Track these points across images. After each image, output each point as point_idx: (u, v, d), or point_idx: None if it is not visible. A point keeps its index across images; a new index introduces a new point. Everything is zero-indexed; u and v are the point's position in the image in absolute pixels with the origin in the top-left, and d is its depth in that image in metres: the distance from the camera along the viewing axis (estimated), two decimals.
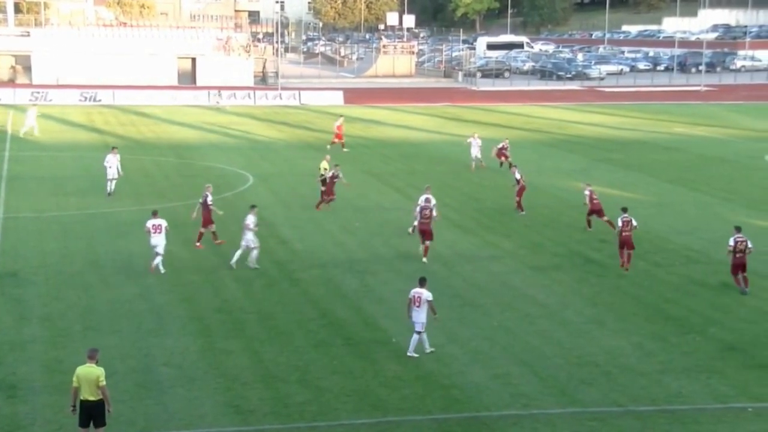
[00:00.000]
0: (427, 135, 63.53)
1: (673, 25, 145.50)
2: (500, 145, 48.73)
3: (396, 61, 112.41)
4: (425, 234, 31.85)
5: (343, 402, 20.35)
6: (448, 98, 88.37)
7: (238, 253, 30.37)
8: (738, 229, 28.67)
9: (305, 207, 37.71)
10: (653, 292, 28.36)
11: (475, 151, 48.70)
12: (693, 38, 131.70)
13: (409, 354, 22.88)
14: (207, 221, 32.61)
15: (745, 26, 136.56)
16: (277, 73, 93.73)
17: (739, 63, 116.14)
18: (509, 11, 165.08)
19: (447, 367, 22.34)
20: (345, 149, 54.50)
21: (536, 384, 21.41)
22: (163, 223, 29.92)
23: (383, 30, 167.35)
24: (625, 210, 31.23)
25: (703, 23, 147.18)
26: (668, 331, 24.94)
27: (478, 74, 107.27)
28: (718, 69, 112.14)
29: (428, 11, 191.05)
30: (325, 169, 40.29)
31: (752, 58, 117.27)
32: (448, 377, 21.77)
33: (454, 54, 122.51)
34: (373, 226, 36.55)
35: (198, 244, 32.77)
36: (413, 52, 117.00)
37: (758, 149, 56.42)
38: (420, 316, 22.78)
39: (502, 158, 48.04)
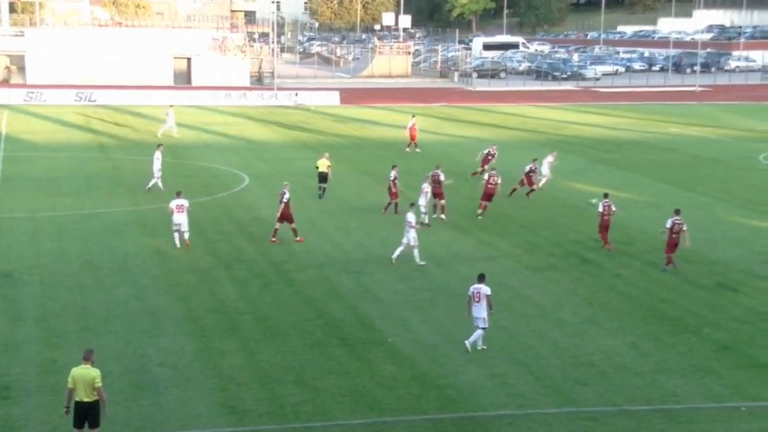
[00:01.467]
0: (423, 135, 63.45)
1: (668, 25, 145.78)
2: (486, 151, 47.01)
3: (392, 62, 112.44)
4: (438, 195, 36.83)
5: (339, 402, 20.35)
6: (444, 98, 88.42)
7: (400, 249, 30.96)
8: (677, 212, 30.58)
9: (301, 207, 37.68)
10: (648, 292, 28.40)
11: (546, 170, 44.69)
12: (688, 39, 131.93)
13: (473, 345, 23.04)
14: (284, 217, 33.64)
15: (740, 27, 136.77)
16: (273, 73, 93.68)
17: (733, 63, 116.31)
18: (505, 11, 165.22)
19: (443, 368, 22.34)
20: (417, 149, 55.00)
21: (532, 384, 21.43)
22: (186, 203, 32.51)
23: (379, 30, 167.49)
24: (606, 196, 33.05)
25: (697, 24, 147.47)
26: (663, 331, 24.98)
27: (474, 74, 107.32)
28: (713, 69, 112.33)
29: (424, 12, 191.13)
30: (329, 167, 40.98)
31: (746, 59, 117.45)
32: (443, 377, 21.77)
33: (450, 54, 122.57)
34: (370, 227, 36.56)
35: (273, 239, 33.69)
36: (409, 53, 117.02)
37: (752, 149, 56.50)
38: (480, 311, 23.05)
39: (485, 166, 45.91)
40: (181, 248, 32.31)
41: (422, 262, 30.97)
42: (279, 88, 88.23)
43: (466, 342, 23.26)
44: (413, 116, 58.21)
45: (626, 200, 41.15)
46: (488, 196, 37.12)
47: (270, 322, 25.33)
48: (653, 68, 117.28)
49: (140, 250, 31.50)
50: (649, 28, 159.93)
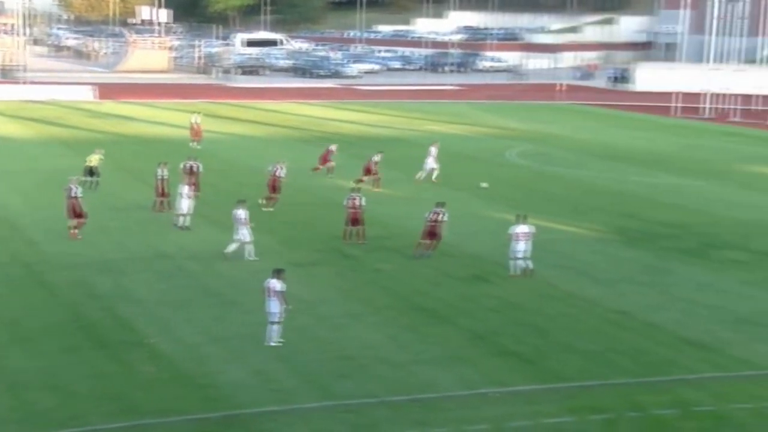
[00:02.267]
0: (185, 132, 62.45)
1: (423, 26, 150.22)
2: (327, 149, 47.66)
3: (150, 56, 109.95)
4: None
5: (95, 406, 19.68)
6: (205, 95, 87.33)
7: (234, 246, 30.63)
8: (438, 204, 32.42)
9: (53, 206, 36.17)
10: (407, 285, 29.14)
11: (432, 162, 46.29)
12: (442, 39, 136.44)
13: (271, 344, 23.04)
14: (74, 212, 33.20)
15: (490, 29, 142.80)
16: (22, 66, 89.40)
17: (484, 64, 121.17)
18: (266, 8, 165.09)
19: (204, 367, 22.07)
20: (198, 146, 53.64)
21: (294, 379, 21.53)
22: None
23: (137, 24, 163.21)
24: (356, 191, 34.27)
25: (451, 25, 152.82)
26: (421, 322, 25.69)
27: (236, 71, 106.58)
28: (466, 69, 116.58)
29: (183, 6, 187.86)
30: (100, 159, 41.24)
31: (496, 60, 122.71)
32: (205, 376, 21.50)
33: (211, 50, 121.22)
34: (130, 225, 35.63)
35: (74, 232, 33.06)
36: (168, 48, 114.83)
37: (502, 146, 59.08)
38: (273, 306, 23.00)
39: (324, 165, 46.82)
40: None
41: (255, 258, 30.78)
42: (30, 82, 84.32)
43: (269, 341, 23.25)
44: (197, 113, 57.81)
45: (386, 196, 42.05)
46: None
47: (19, 327, 24.16)
48: (411, 67, 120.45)
49: None
50: (405, 28, 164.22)
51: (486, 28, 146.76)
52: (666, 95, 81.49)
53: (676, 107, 77.40)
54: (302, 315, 25.89)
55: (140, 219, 36.64)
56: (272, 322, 23.37)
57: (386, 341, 24.13)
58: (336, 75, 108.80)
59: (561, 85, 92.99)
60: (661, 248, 34.04)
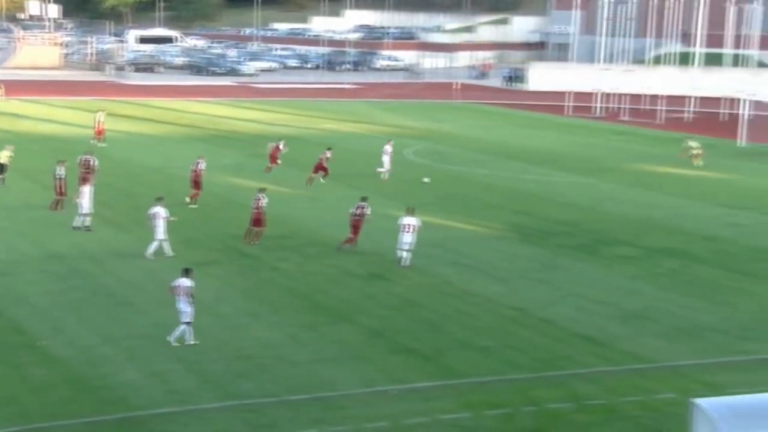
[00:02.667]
0: (77, 130, 61.27)
1: (320, 24, 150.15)
2: (274, 144, 47.90)
3: (40, 53, 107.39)
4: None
5: None
6: (98, 92, 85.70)
7: (167, 244, 30.85)
8: (363, 199, 33.25)
9: None
10: (306, 283, 29.15)
11: (387, 161, 47.30)
12: (339, 37, 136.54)
13: (179, 340, 22.91)
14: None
15: (386, 27, 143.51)
16: None
17: (381, 62, 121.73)
18: (160, 4, 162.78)
19: (99, 369, 21.73)
20: (103, 144, 53.29)
21: (192, 380, 21.35)
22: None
23: (25, 20, 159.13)
24: (262, 190, 33.87)
25: (348, 23, 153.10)
26: (320, 320, 25.74)
27: (130, 68, 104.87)
28: (363, 68, 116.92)
29: (74, 2, 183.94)
30: (10, 156, 41.61)
31: (393, 58, 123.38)
32: (100, 378, 21.17)
33: (103, 47, 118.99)
34: (20, 226, 34.83)
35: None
36: (59, 44, 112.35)
37: (401, 145, 59.43)
38: (184, 305, 22.80)
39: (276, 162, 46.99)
40: None
41: (172, 253, 31.01)
42: None
43: (169, 338, 23.12)
44: (102, 111, 57.35)
45: (285, 194, 41.94)
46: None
47: None
48: (308, 65, 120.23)
49: None
50: (302, 26, 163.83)
51: (382, 27, 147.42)
52: (559, 94, 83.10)
53: (568, 106, 79.00)
54: (201, 315, 25.58)
55: (32, 219, 35.86)
56: (184, 322, 23.13)
57: (285, 340, 24.11)
58: (232, 73, 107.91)
59: (457, 84, 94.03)
60: (555, 245, 34.74)
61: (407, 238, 30.83)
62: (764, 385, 21.26)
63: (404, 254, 30.94)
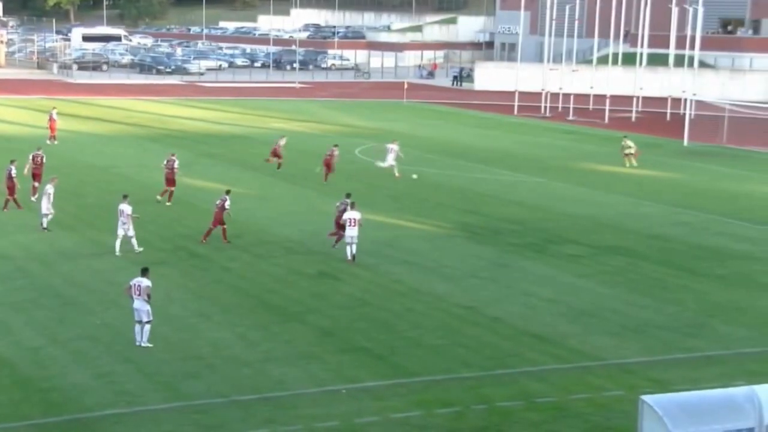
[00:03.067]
0: (22, 129, 60.50)
1: (267, 23, 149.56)
2: (278, 142, 48.38)
3: None
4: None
5: None
6: (44, 90, 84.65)
7: (118, 242, 31.17)
8: (347, 195, 33.36)
9: None
10: (256, 283, 29.05)
11: (391, 159, 47.70)
12: (287, 36, 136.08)
13: (143, 345, 22.74)
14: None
15: (334, 27, 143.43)
16: None
17: (329, 62, 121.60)
18: (105, 2, 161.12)
19: (46, 370, 21.48)
20: (55, 142, 53.67)
21: (140, 381, 21.18)
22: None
23: None
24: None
25: (295, 22, 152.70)
26: (270, 320, 25.67)
27: (75, 66, 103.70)
28: (311, 67, 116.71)
29: (17, 0, 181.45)
30: None
31: (341, 57, 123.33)
32: (47, 380, 20.93)
33: (47, 45, 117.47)
34: None
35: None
36: (2, 42, 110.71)
37: (349, 144, 59.39)
38: (143, 304, 22.75)
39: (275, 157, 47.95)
40: None
41: (140, 249, 31.41)
42: None
43: (140, 343, 22.97)
44: (54, 108, 57.26)
45: (235, 194, 41.65)
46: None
47: None
48: (255, 64, 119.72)
49: None
50: (249, 24, 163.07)
51: (330, 26, 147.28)
52: (507, 94, 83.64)
53: (515, 106, 79.53)
54: None
55: None
56: (142, 322, 22.98)
57: (235, 340, 24.01)
58: (180, 71, 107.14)
59: (407, 83, 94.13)
60: (504, 244, 34.96)
61: (351, 232, 31.42)
62: (709, 381, 21.63)
63: (351, 248, 31.42)
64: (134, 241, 31.60)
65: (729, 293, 29.61)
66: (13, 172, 37.16)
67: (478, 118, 77.73)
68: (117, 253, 31.15)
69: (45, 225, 34.17)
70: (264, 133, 62.88)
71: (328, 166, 45.67)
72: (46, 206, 34.20)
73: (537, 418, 20.08)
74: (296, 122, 69.99)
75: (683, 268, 32.33)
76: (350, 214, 31.74)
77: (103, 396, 20.31)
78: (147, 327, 23.04)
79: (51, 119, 55.60)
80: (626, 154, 52.89)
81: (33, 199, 37.84)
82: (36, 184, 38.38)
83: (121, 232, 31.37)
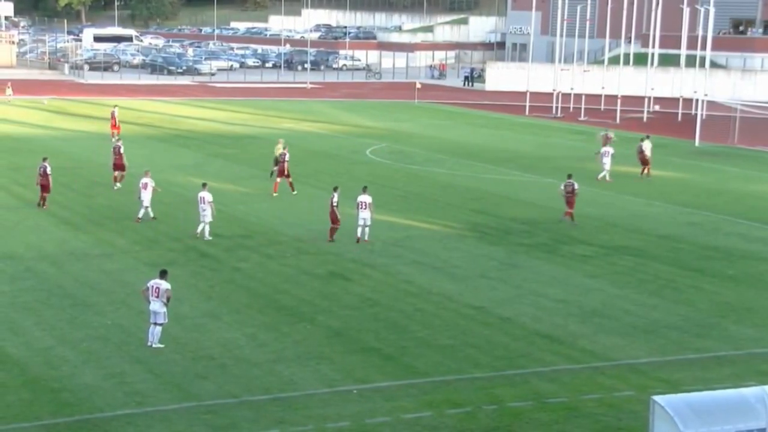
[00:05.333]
0: (32, 129, 60.70)
1: (278, 23, 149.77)
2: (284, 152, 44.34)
3: None
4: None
5: None
6: (55, 91, 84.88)
7: (201, 226, 33.39)
8: (569, 176, 38.03)
9: None
10: (266, 283, 29.06)
11: (607, 161, 47.83)
12: (298, 37, 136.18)
13: (155, 346, 22.83)
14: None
15: (345, 27, 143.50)
16: None
17: (340, 62, 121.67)
18: (116, 3, 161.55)
19: (57, 370, 21.51)
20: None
21: (151, 381, 21.20)
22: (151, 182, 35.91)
23: None
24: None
25: (306, 23, 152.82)
26: (280, 321, 25.67)
27: (86, 67, 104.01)
28: (322, 67, 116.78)
29: (29, 0, 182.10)
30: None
31: (352, 58, 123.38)
32: (57, 380, 20.96)
33: (59, 45, 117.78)
34: None
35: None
36: (13, 42, 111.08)
37: (360, 144, 59.46)
38: (159, 306, 22.77)
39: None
40: None
41: (209, 237, 33.35)
42: None
43: (152, 344, 23.02)
44: (116, 106, 58.70)
45: (244, 194, 41.82)
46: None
47: None
48: (266, 65, 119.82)
49: None
50: (261, 25, 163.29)
51: (341, 27, 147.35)
52: (517, 94, 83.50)
53: (527, 106, 79.42)
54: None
55: None
56: (157, 323, 23.02)
57: (245, 340, 24.02)
58: (190, 72, 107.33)
59: (418, 83, 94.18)
60: (514, 244, 34.91)
61: (363, 214, 33.41)
62: (720, 382, 21.56)
63: (364, 229, 33.37)
64: (207, 228, 33.42)
65: (740, 293, 29.50)
66: (48, 169, 37.42)
67: (489, 118, 77.64)
68: (206, 237, 33.37)
69: (141, 216, 36.00)
70: (275, 134, 62.91)
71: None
72: (147, 198, 36.02)
73: (548, 419, 20.04)
74: (307, 122, 70.03)
75: (694, 269, 32.23)
76: (362, 198, 33.53)
77: (113, 396, 20.34)
78: (159, 328, 23.07)
79: (112, 117, 57.09)
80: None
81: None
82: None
83: (204, 220, 33.49)
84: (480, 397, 20.98)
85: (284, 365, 22.46)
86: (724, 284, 30.48)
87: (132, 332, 24.06)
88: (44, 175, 37.40)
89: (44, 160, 38.02)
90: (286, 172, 41.88)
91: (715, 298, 28.96)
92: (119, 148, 42.78)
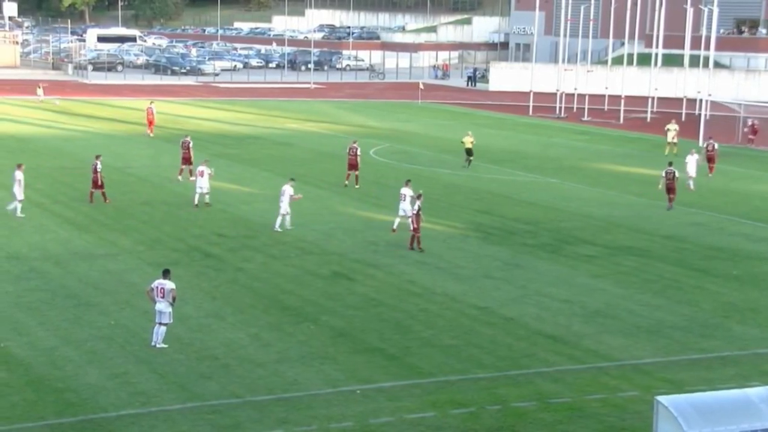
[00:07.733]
0: (36, 129, 60.75)
1: (282, 23, 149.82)
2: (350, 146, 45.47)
3: None
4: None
5: None
6: (59, 91, 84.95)
7: (279, 219, 34.84)
8: (670, 164, 41.35)
9: None
10: (270, 284, 29.06)
11: (692, 169, 46.53)
12: (301, 37, 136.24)
13: (158, 346, 22.77)
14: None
15: (349, 27, 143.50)
16: None
17: (344, 62, 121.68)
18: (120, 3, 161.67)
19: (61, 370, 21.53)
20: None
21: (155, 381, 21.21)
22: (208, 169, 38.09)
23: None
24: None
25: (310, 23, 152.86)
26: (284, 321, 25.67)
27: (90, 67, 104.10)
28: (326, 67, 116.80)
29: (32, 0, 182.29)
30: (472, 142, 49.88)
31: (356, 58, 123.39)
32: (62, 380, 20.98)
33: (62, 45, 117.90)
34: None
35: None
36: (17, 42, 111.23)
37: (364, 144, 59.43)
38: (164, 306, 22.80)
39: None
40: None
41: (282, 228, 34.88)
42: None
43: (156, 344, 23.00)
44: (152, 102, 60.54)
45: (248, 194, 41.83)
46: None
47: None
48: (270, 65, 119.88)
49: None
50: (264, 25, 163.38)
51: (345, 27, 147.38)
52: (521, 95, 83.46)
53: (530, 106, 79.38)
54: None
55: None
56: (162, 323, 23.04)
57: (249, 341, 24.03)
58: (194, 72, 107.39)
59: (422, 84, 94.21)
60: (518, 244, 34.90)
61: (404, 206, 34.84)
62: (724, 382, 21.54)
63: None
64: (288, 218, 34.96)
65: (744, 294, 29.48)
66: (98, 167, 38.53)
67: (493, 118, 77.62)
68: (276, 228, 34.85)
69: (197, 202, 38.25)
70: (279, 134, 62.96)
71: (353, 165, 44.76)
72: (206, 185, 38.14)
73: (551, 419, 20.03)
74: (310, 123, 70.05)
75: (698, 269, 32.21)
76: (404, 190, 35.01)
77: (117, 396, 20.35)
78: (163, 328, 23.08)
79: (150, 113, 58.60)
80: (669, 143, 54.73)
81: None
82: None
83: (282, 212, 34.87)
84: (484, 398, 20.97)
85: (288, 365, 22.46)
86: (729, 284, 30.45)
87: (136, 332, 24.08)
88: (95, 171, 38.66)
89: (97, 157, 39.15)
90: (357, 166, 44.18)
91: (720, 299, 28.93)
92: (188, 143, 44.45)
